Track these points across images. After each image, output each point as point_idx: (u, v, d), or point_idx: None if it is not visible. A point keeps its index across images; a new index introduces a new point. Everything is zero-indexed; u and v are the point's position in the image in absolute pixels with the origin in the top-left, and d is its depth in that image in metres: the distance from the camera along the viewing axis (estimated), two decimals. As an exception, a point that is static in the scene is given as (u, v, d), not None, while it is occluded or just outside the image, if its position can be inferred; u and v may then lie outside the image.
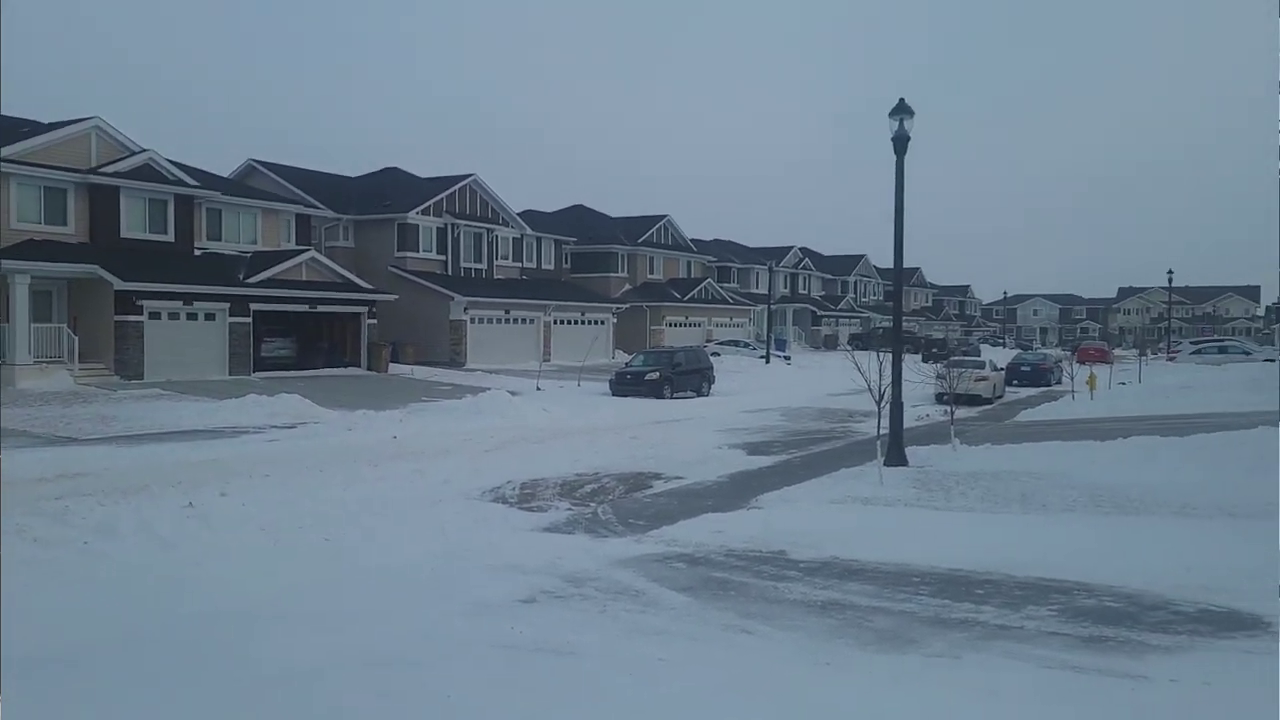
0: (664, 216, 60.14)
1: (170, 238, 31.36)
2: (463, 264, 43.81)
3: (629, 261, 56.89)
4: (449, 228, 43.08)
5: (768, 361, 49.54)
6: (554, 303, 45.68)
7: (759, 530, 10.33)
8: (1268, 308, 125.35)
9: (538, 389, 31.05)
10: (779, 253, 74.62)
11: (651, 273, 58.41)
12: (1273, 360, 52.32)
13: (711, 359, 37.45)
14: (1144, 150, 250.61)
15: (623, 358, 43.62)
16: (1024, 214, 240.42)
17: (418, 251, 41.77)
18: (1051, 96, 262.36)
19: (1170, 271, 71.24)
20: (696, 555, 9.29)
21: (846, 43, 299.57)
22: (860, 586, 8.08)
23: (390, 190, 44.21)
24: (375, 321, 36.10)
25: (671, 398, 31.10)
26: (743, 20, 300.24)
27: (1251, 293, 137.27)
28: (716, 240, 73.66)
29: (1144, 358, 51.38)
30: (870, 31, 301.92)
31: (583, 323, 47.84)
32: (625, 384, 31.59)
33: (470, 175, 44.73)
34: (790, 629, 6.90)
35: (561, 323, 46.30)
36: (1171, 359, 60.26)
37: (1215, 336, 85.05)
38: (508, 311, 43.15)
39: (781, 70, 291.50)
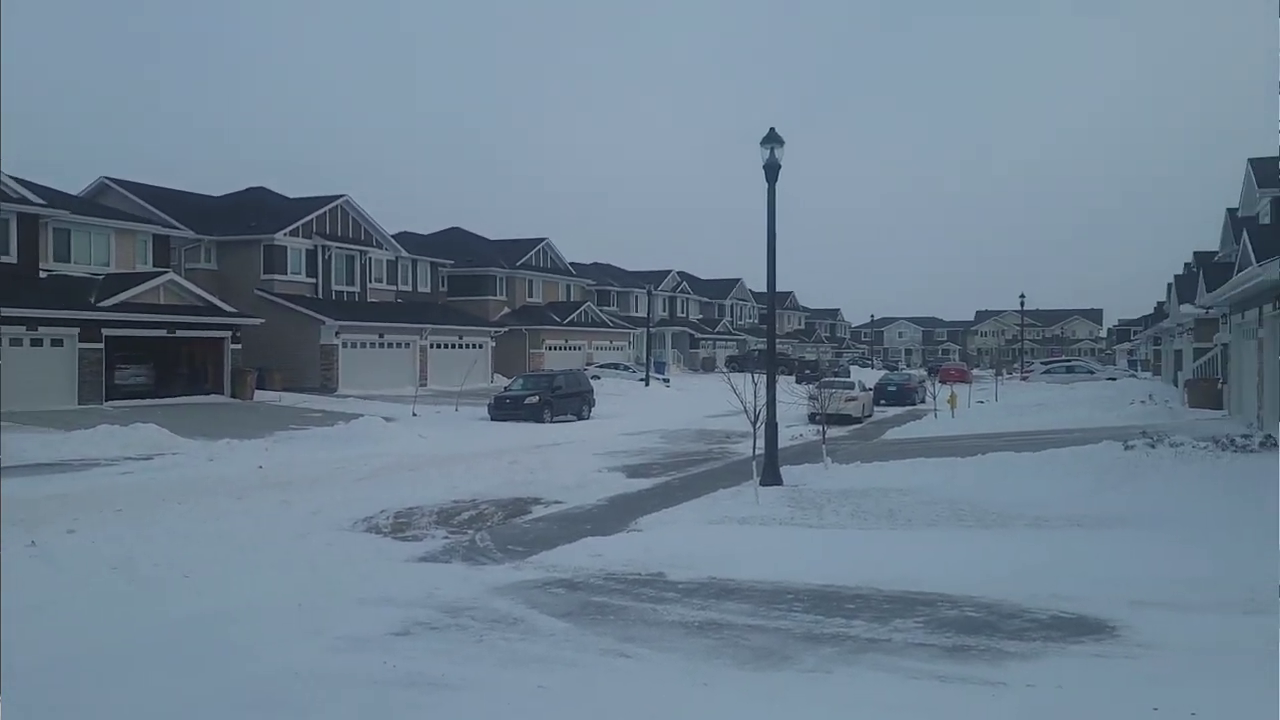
0: (543, 239, 60.03)
1: (12, 259, 29.34)
2: (334, 287, 42.58)
3: (508, 285, 56.46)
4: (319, 250, 41.83)
5: (647, 384, 49.97)
6: (430, 326, 44.86)
7: (638, 553, 10.37)
8: (1109, 329, 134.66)
9: (414, 415, 30.39)
10: (657, 276, 75.55)
11: (531, 296, 58.12)
12: (1114, 379, 56.29)
13: (592, 382, 37.45)
14: (996, 177, 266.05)
15: (502, 382, 43.14)
16: (889, 240, 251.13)
17: (286, 274, 40.37)
18: (913, 128, 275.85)
19: (1022, 295, 75.89)
20: (576, 580, 9.26)
21: (722, 69, 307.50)
22: (737, 605, 8.20)
23: (257, 210, 42.61)
24: (240, 347, 34.65)
25: (551, 422, 30.95)
26: (620, 43, 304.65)
27: (1095, 315, 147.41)
28: (596, 264, 74.02)
29: (1000, 377, 54.20)
30: (745, 60, 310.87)
31: (461, 346, 47.16)
32: (504, 408, 31.28)
33: (342, 196, 43.60)
34: (669, 650, 6.94)
35: (439, 347, 45.50)
36: (1025, 378, 63.98)
37: (1064, 357, 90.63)
38: (382, 336, 42.15)
39: (658, 95, 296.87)
